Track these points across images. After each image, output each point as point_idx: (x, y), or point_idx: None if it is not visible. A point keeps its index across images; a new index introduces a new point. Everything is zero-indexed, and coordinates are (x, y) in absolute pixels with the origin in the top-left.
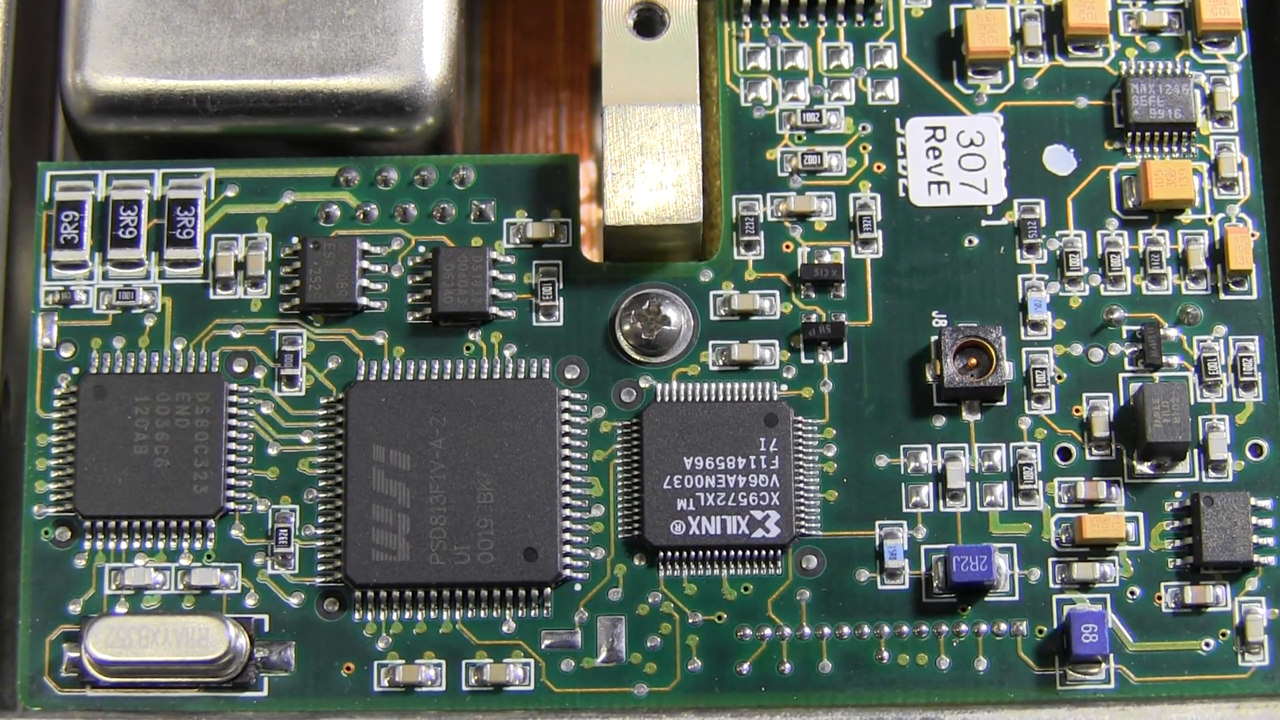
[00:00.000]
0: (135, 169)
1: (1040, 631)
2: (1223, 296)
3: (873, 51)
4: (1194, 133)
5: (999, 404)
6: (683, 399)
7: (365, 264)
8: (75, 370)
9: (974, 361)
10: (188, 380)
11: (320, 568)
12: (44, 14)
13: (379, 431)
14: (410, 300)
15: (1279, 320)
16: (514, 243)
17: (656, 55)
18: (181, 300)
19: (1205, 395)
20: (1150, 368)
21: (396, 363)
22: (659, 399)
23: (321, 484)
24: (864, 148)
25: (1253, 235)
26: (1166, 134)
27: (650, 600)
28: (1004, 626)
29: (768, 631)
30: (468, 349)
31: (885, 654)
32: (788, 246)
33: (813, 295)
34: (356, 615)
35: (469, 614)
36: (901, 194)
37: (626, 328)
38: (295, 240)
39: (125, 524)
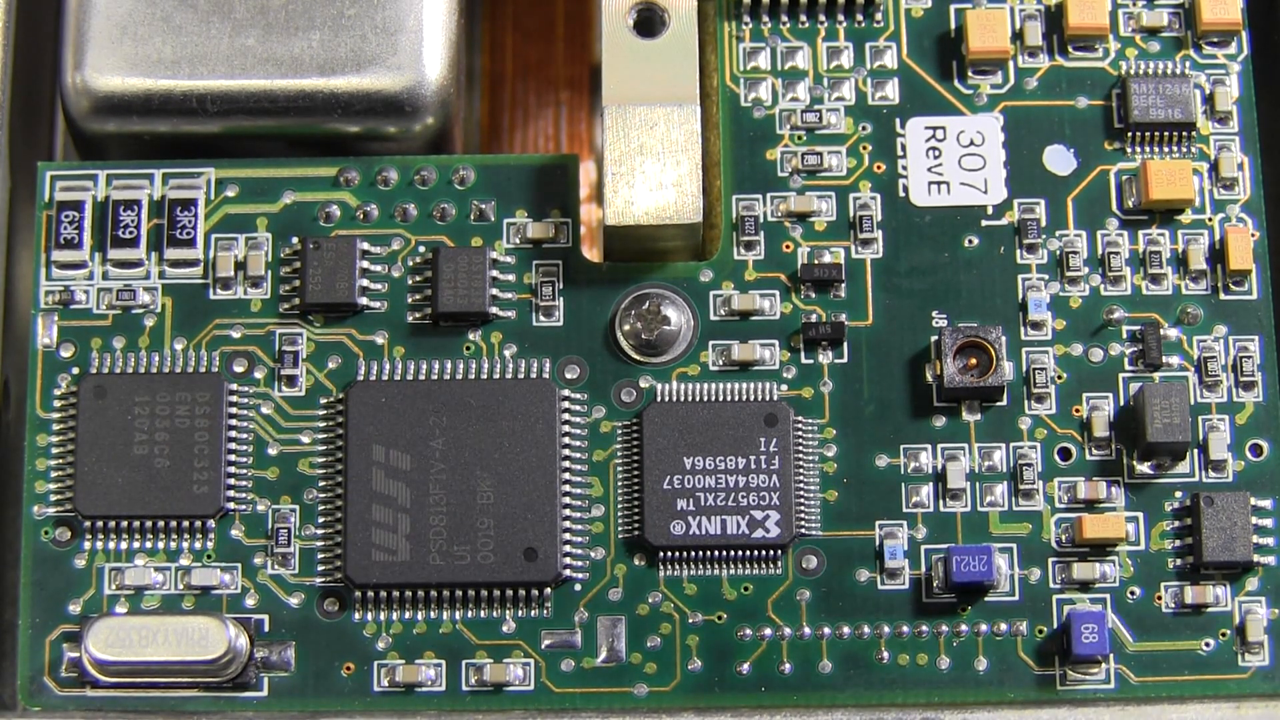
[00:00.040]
0: (135, 169)
1: (1040, 631)
2: (1223, 296)
3: (873, 51)
4: (1194, 133)
5: (999, 404)
6: (683, 399)
7: (365, 264)
8: (75, 370)
9: (974, 361)
10: (188, 380)
11: (320, 568)
12: (44, 14)
13: (379, 431)
14: (410, 300)
15: (1279, 320)
16: (514, 243)
17: (656, 55)
18: (181, 300)
19: (1205, 395)
20: (1150, 368)
21: (396, 363)
22: (659, 399)
23: (321, 484)
24: (864, 148)
25: (1253, 235)
26: (1166, 134)
27: (650, 600)
28: (1004, 626)
29: (768, 631)
30: (468, 349)
31: (885, 654)
32: (788, 246)
33: (813, 295)
34: (356, 615)
35: (469, 614)
36: (901, 194)
37: (626, 328)
38: (295, 240)
39: (125, 524)
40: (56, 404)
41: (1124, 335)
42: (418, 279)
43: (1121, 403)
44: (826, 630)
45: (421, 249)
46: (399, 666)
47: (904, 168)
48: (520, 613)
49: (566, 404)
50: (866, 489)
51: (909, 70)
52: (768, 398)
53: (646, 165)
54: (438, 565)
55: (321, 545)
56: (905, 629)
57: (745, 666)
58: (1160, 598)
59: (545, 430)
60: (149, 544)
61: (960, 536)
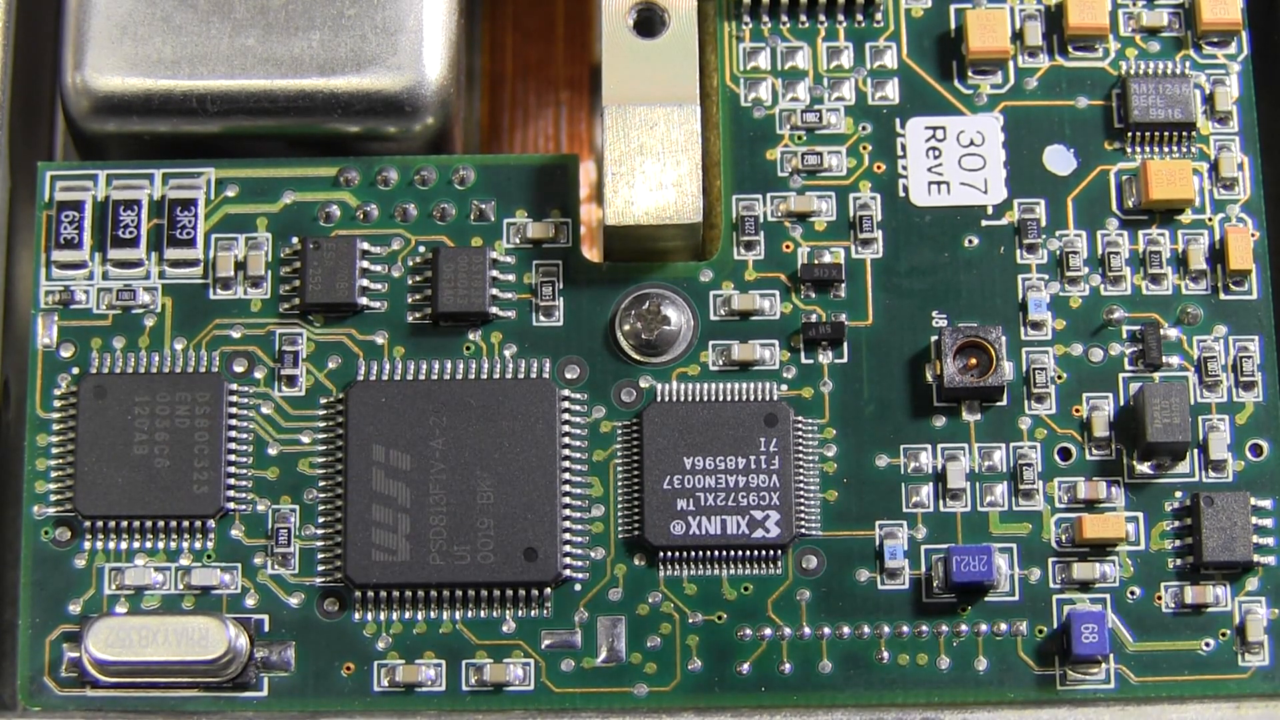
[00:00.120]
0: (135, 169)
1: (1040, 631)
2: (1223, 296)
3: (873, 51)
4: (1194, 133)
5: (999, 404)
6: (683, 399)
7: (365, 264)
8: (75, 370)
9: (974, 361)
10: (188, 380)
11: (320, 568)
12: (44, 14)
13: (379, 431)
14: (410, 300)
15: (1279, 320)
16: (514, 243)
17: (656, 55)
18: (181, 300)
19: (1205, 395)
20: (1150, 368)
21: (396, 363)
22: (659, 399)
23: (321, 484)
24: (864, 148)
25: (1253, 235)
26: (1166, 134)
27: (650, 600)
28: (1004, 626)
29: (768, 631)
30: (468, 349)
31: (885, 654)
32: (788, 246)
33: (813, 295)
34: (356, 615)
35: (469, 614)
36: (901, 194)
37: (626, 328)
38: (295, 240)
39: (125, 524)
40: (56, 404)
41: (1124, 335)
42: (418, 279)
43: (1121, 403)
44: (826, 630)
45: (421, 249)
46: (399, 666)
47: (904, 168)
48: (520, 613)
49: (566, 404)
50: (866, 489)
51: (909, 70)
52: (768, 398)
53: (646, 165)
54: (438, 565)
55: (321, 545)
56: (905, 629)
57: (745, 666)
58: (1160, 598)
59: (545, 430)
60: (149, 544)
61: (960, 536)
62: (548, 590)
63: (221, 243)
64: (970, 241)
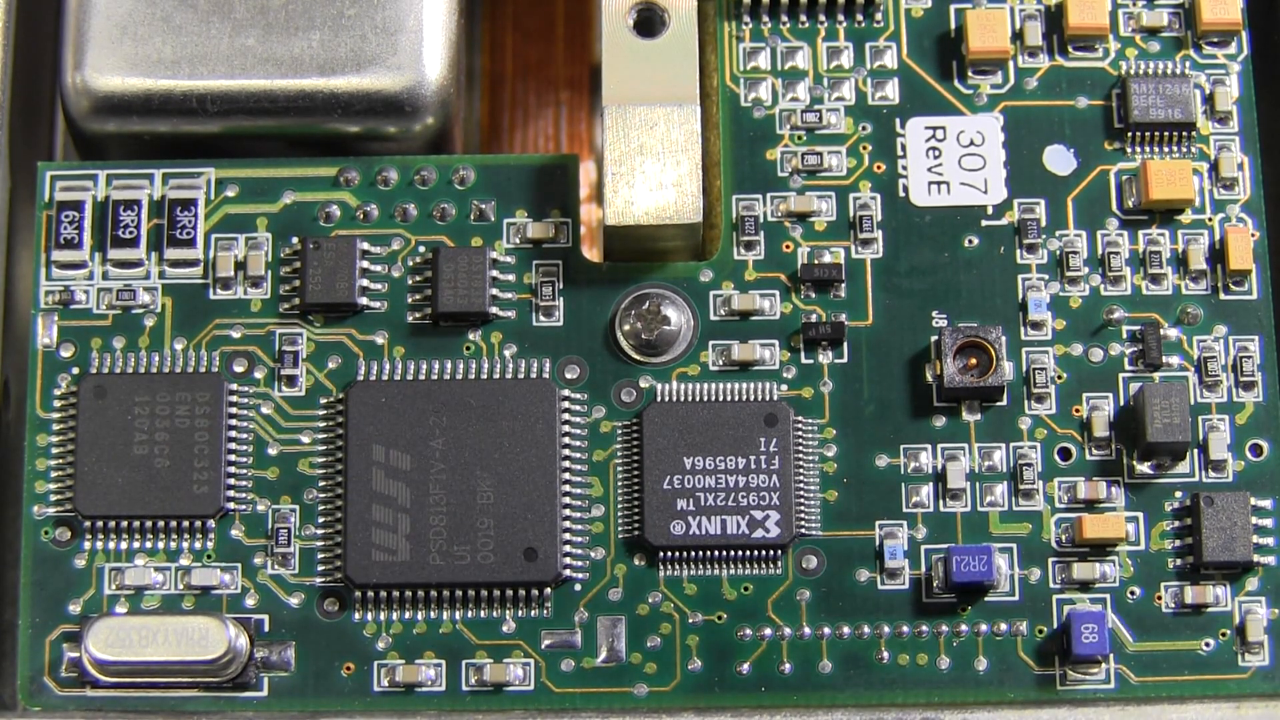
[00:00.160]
0: (135, 169)
1: (1040, 631)
2: (1223, 296)
3: (873, 51)
4: (1194, 133)
5: (999, 404)
6: (683, 399)
7: (365, 264)
8: (75, 370)
9: (974, 361)
10: (188, 380)
11: (320, 568)
12: (44, 14)
13: (379, 431)
14: (410, 300)
15: (1279, 320)
16: (514, 243)
17: (656, 55)
18: (181, 300)
19: (1205, 395)
20: (1150, 368)
21: (396, 363)
22: (659, 399)
23: (321, 484)
24: (864, 148)
25: (1253, 235)
26: (1166, 134)
27: (650, 600)
28: (1004, 626)
29: (768, 631)
30: (468, 349)
31: (885, 654)
32: (788, 246)
33: (813, 295)
34: (356, 615)
35: (469, 614)
36: (901, 194)
37: (626, 328)
38: (295, 240)
39: (125, 524)
40: (56, 404)
41: (1124, 335)
42: (418, 279)
43: (1121, 403)
44: (826, 630)
45: (421, 249)
46: (399, 666)
47: (904, 168)
48: (520, 613)
49: (566, 404)
50: (866, 489)
51: (909, 70)
52: (768, 398)
53: (646, 165)
54: (438, 565)
55: (321, 545)
56: (905, 629)
57: (745, 666)
58: (1160, 598)
59: (545, 430)
60: (149, 544)
61: (960, 536)
62: (548, 590)
63: (221, 243)
64: (970, 241)
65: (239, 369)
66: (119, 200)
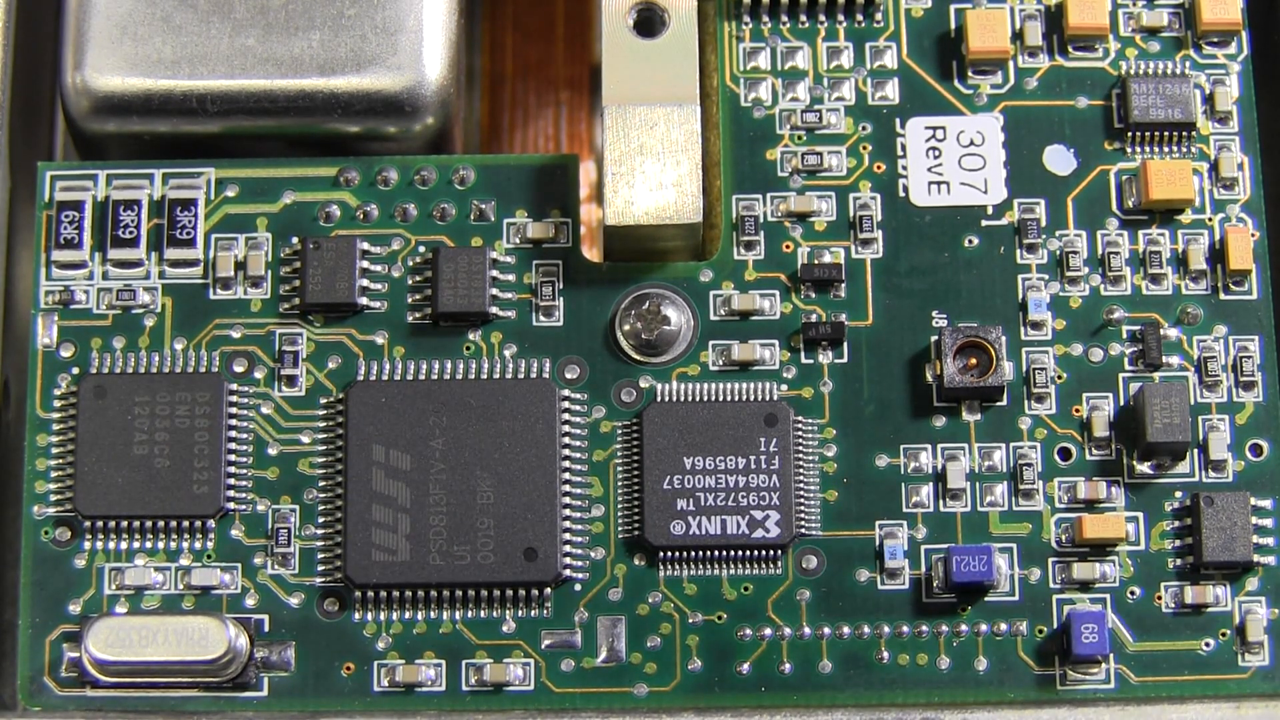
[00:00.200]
0: (135, 169)
1: (1040, 631)
2: (1223, 296)
3: (873, 51)
4: (1194, 133)
5: (999, 404)
6: (683, 399)
7: (365, 264)
8: (75, 370)
9: (974, 361)
10: (188, 380)
11: (320, 568)
12: (44, 14)
13: (379, 431)
14: (410, 300)
15: (1279, 320)
16: (514, 243)
17: (656, 55)
18: (181, 300)
19: (1205, 395)
20: (1150, 368)
21: (396, 363)
22: (659, 399)
23: (321, 484)
24: (864, 148)
25: (1253, 235)
26: (1166, 134)
27: (650, 600)
28: (1004, 626)
29: (768, 631)
30: (468, 349)
31: (885, 654)
32: (788, 246)
33: (813, 295)
34: (356, 615)
35: (469, 614)
36: (901, 194)
37: (626, 328)
38: (295, 240)
39: (125, 524)
40: (56, 404)
41: (1124, 335)
42: (418, 279)
43: (1121, 403)
44: (826, 630)
45: (421, 249)
46: (399, 666)
47: (904, 168)
48: (520, 613)
49: (566, 404)
50: (866, 489)
51: (909, 70)
52: (768, 398)
53: (646, 165)
54: (438, 565)
55: (321, 545)
56: (905, 629)
57: (745, 666)
58: (1160, 598)
59: (545, 430)
60: (149, 544)
61: (960, 536)
62: (548, 590)
63: (221, 243)
64: (970, 241)
65: (239, 369)
66: (119, 200)
